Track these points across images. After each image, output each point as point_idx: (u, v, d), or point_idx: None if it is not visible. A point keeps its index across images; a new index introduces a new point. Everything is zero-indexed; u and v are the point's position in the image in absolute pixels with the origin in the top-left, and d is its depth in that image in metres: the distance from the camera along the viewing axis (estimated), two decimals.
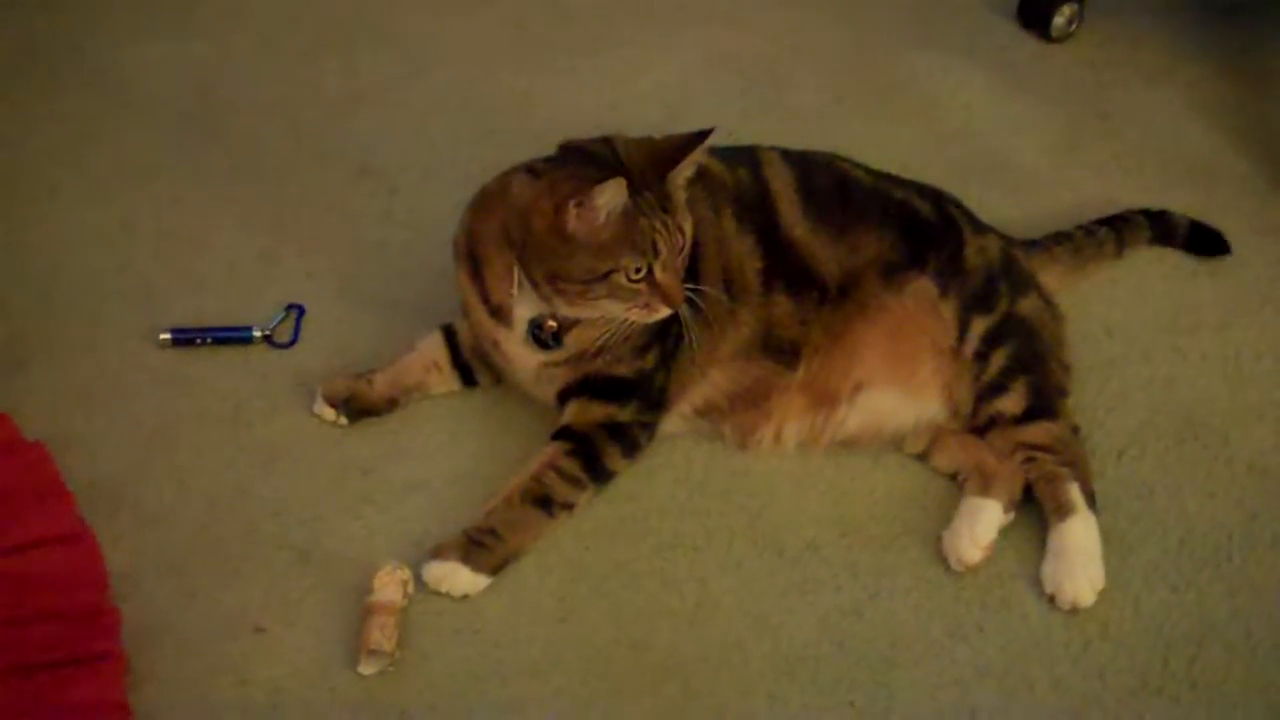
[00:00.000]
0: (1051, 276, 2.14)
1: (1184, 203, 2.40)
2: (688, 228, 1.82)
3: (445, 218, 1.96)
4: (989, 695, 1.72)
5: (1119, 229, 2.25)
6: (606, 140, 1.85)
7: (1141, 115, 2.64)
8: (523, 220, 1.81)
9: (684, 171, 1.82)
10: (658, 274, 1.78)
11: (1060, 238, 2.21)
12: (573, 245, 1.77)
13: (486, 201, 1.91)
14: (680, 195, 1.83)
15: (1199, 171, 2.51)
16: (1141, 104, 2.67)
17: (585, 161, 1.81)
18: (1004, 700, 1.72)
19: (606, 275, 1.77)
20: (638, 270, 1.77)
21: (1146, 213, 2.29)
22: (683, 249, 1.82)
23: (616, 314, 1.82)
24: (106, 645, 1.68)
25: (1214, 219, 2.35)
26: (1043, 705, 1.71)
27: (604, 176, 1.72)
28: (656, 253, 1.77)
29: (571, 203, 1.74)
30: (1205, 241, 2.30)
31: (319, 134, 2.48)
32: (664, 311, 1.81)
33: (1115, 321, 2.20)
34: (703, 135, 1.81)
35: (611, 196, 1.73)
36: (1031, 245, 2.17)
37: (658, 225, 1.78)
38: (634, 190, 1.75)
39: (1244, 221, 2.38)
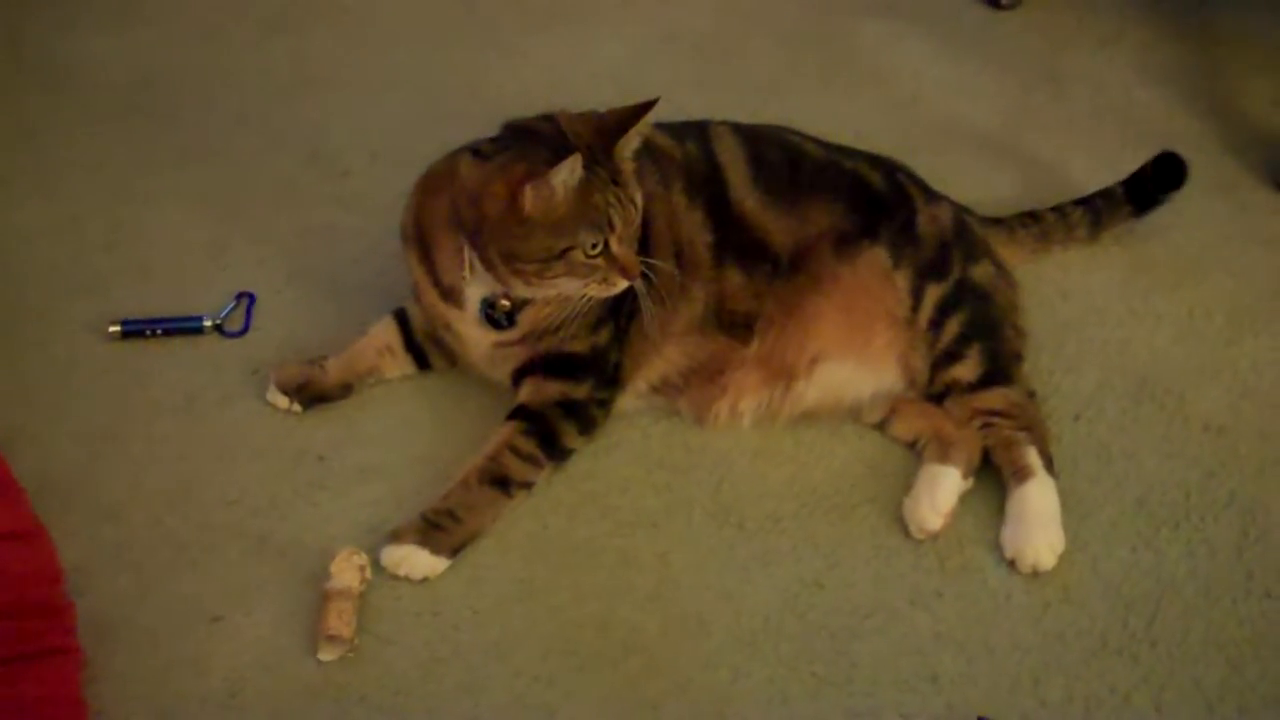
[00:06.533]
0: (1011, 254, 2.14)
1: (1136, 164, 2.40)
2: (639, 200, 1.82)
3: (397, 200, 1.95)
4: (950, 660, 1.73)
5: (1096, 211, 2.23)
6: (550, 117, 1.83)
7: (1093, 79, 2.65)
8: (474, 204, 1.79)
9: (631, 143, 1.82)
10: (614, 248, 1.78)
11: (1028, 219, 2.20)
12: (529, 226, 1.76)
13: (434, 184, 1.90)
14: (629, 167, 1.82)
15: (1151, 133, 2.51)
16: (1093, 67, 2.67)
17: (532, 141, 1.80)
18: (965, 665, 1.72)
19: (564, 253, 1.76)
20: (594, 246, 1.77)
21: (1124, 184, 2.24)
22: (635, 221, 1.81)
23: (574, 291, 1.81)
24: (62, 641, 1.67)
25: None
26: (1003, 669, 1.72)
27: (554, 156, 1.71)
28: (612, 227, 1.77)
29: (528, 185, 1.73)
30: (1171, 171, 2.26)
31: (267, 119, 2.46)
32: (622, 285, 1.81)
33: (1070, 285, 2.20)
34: (647, 106, 1.80)
35: (568, 175, 1.72)
36: (995, 223, 2.17)
37: (611, 199, 1.77)
38: (585, 166, 1.74)
39: (1197, 182, 2.37)
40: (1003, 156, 2.46)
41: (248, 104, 2.49)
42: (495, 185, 1.77)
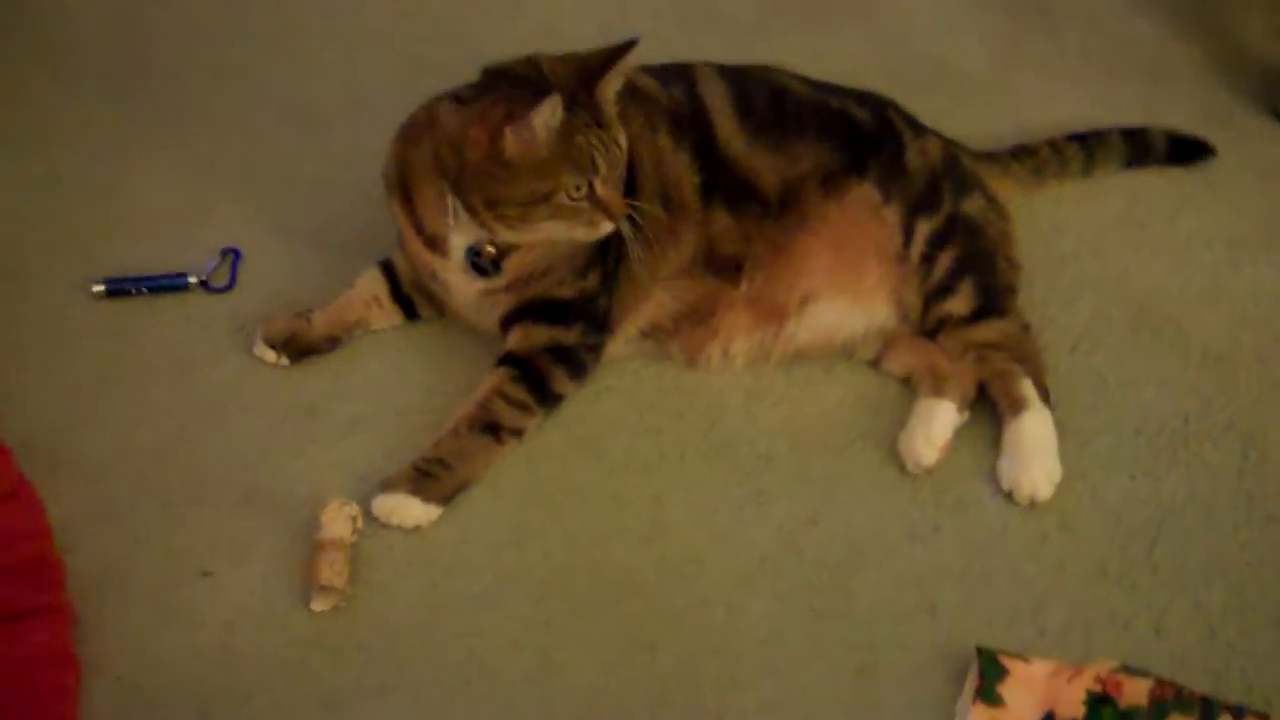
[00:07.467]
0: (1005, 189, 2.11)
1: (1130, 97, 2.39)
2: (623, 141, 1.80)
3: (380, 151, 1.92)
4: (948, 592, 1.71)
5: (1091, 149, 2.21)
6: (530, 60, 1.81)
7: (1085, 12, 2.61)
8: (455, 150, 1.77)
9: (613, 84, 1.79)
10: (598, 189, 1.76)
11: (1021, 152, 2.18)
12: (511, 170, 1.74)
13: (414, 132, 1.88)
14: (611, 109, 1.80)
15: (1145, 65, 2.49)
16: (1084, 0, 2.63)
17: (513, 84, 1.78)
18: (964, 596, 1.71)
19: (547, 196, 1.74)
20: (578, 188, 1.75)
21: (1124, 132, 2.24)
22: (620, 162, 1.79)
23: (560, 235, 1.79)
24: (51, 598, 1.65)
25: (1162, 112, 2.34)
26: (1003, 599, 1.70)
27: (535, 98, 1.69)
28: (596, 168, 1.75)
29: (508, 128, 1.71)
30: (1186, 150, 2.26)
31: (248, 74, 2.43)
32: (607, 227, 1.78)
33: (1064, 218, 2.18)
34: (628, 46, 1.78)
35: (549, 116, 1.69)
36: (989, 157, 2.15)
37: (594, 140, 1.75)
38: (567, 108, 1.71)
39: (1192, 112, 2.37)
40: (994, 93, 2.43)
41: (229, 59, 2.46)
42: (476, 130, 1.74)
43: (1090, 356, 1.98)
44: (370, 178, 1.96)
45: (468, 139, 1.75)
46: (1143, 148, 2.24)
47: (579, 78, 1.77)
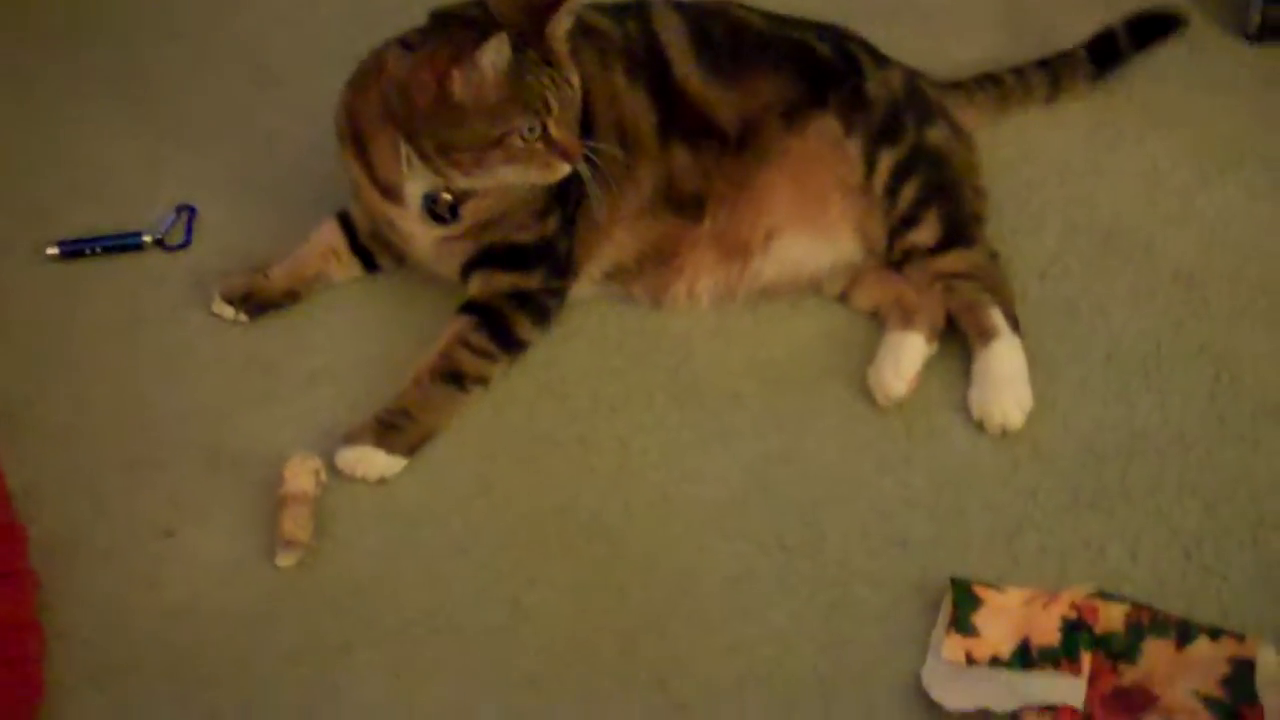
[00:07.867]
0: (969, 117, 2.08)
1: (1099, 22, 2.34)
2: (575, 81, 1.77)
3: (334, 103, 1.89)
4: (921, 524, 1.70)
5: (1056, 73, 2.17)
6: (479, 3, 1.78)
7: None
8: (404, 96, 1.75)
9: (562, 22, 1.76)
10: (552, 130, 1.73)
11: (985, 81, 2.15)
12: (462, 114, 1.71)
13: (363, 79, 1.85)
14: (563, 48, 1.77)
15: None
16: None
17: (460, 27, 1.75)
18: (936, 528, 1.69)
19: (500, 139, 1.72)
20: (531, 129, 1.72)
21: (1087, 44, 2.19)
22: (573, 102, 1.76)
23: (516, 179, 1.77)
24: (13, 564, 1.63)
25: None
26: (975, 529, 1.69)
27: (481, 39, 1.66)
28: (549, 109, 1.72)
29: (455, 70, 1.68)
30: (1154, 28, 2.20)
31: (201, 30, 2.39)
32: (564, 169, 1.76)
33: (1031, 145, 2.15)
34: None
35: (495, 55, 1.67)
36: (953, 86, 2.12)
37: (545, 81, 1.72)
38: (516, 48, 1.69)
39: None
40: (957, 22, 2.39)
41: (180, 17, 2.42)
42: (423, 74, 1.72)
43: (1059, 283, 1.96)
44: (325, 130, 1.93)
45: (416, 83, 1.73)
46: (1109, 49, 2.19)
47: (527, 17, 1.74)
